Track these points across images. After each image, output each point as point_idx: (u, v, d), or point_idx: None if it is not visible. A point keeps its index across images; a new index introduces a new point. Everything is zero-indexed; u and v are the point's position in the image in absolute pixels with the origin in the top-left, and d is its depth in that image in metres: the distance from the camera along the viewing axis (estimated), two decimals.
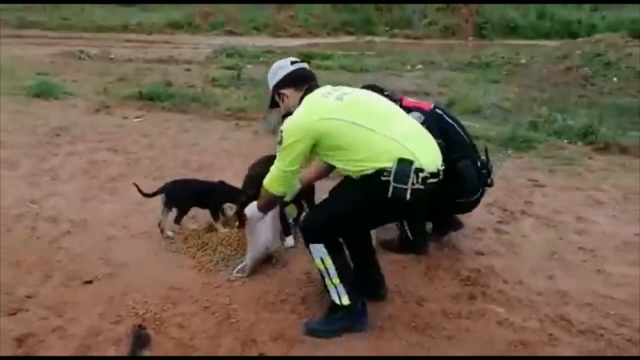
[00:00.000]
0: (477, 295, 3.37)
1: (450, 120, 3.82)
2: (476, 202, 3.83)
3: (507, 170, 5.60)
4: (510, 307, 3.27)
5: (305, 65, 3.18)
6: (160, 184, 4.75)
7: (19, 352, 2.73)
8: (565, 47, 12.22)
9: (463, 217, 4.13)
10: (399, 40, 21.83)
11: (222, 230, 3.98)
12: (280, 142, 2.89)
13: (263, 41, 17.96)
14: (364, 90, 3.16)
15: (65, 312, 3.08)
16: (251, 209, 3.27)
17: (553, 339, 2.97)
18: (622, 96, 9.62)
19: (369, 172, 2.76)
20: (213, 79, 9.95)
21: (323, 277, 2.97)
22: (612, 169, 5.88)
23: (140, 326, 2.91)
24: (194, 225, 4.14)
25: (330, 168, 3.27)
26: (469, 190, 3.69)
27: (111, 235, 4.00)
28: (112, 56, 12.86)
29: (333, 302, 2.99)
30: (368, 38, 21.69)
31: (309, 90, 3.00)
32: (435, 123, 3.59)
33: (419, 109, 3.70)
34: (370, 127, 2.79)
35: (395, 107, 3.10)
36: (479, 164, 3.69)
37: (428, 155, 2.82)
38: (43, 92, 8.42)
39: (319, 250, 2.91)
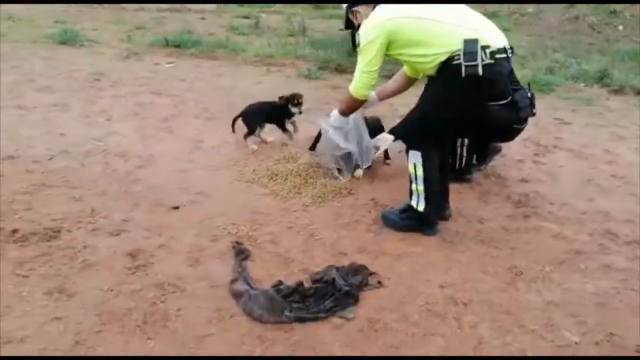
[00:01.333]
0: (530, 215, 3.72)
1: None
2: (521, 131, 4.15)
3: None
4: (561, 224, 3.62)
5: None
6: (211, 124, 5.09)
7: (135, 265, 3.02)
8: None
9: (503, 150, 4.46)
10: None
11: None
12: (357, 46, 3.25)
13: None
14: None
15: (163, 232, 3.38)
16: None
17: (604, 248, 3.34)
18: (629, 43, 9.84)
19: (442, 60, 3.07)
20: (232, 27, 10.03)
21: (411, 181, 3.36)
22: (629, 108, 6.22)
23: (237, 242, 3.24)
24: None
25: (408, 83, 3.59)
26: (523, 119, 4.00)
27: (181, 168, 4.28)
28: (123, 6, 12.80)
29: (409, 205, 3.38)
30: None
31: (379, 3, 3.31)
32: None
33: None
34: (437, 18, 3.11)
35: (459, 5, 3.32)
36: (529, 95, 3.99)
37: (492, 34, 3.12)
38: (68, 40, 8.52)
39: (415, 157, 3.28)
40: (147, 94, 6.08)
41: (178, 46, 8.39)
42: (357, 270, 2.99)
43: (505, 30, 10.31)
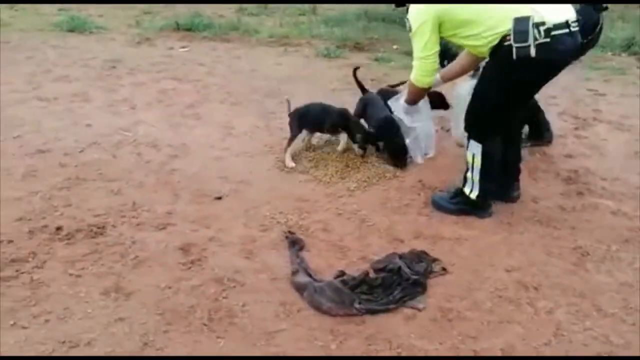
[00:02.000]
0: (584, 192, 3.61)
1: None
2: None
3: (566, 81, 5.74)
4: (617, 200, 3.52)
5: None
6: (238, 108, 4.96)
7: (189, 260, 2.92)
8: None
9: None
10: None
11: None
12: (409, 31, 3.09)
13: None
14: None
15: (210, 224, 3.27)
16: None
17: None
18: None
19: (495, 42, 2.88)
20: (241, 8, 9.84)
21: (467, 169, 3.24)
22: None
23: (290, 232, 3.14)
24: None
25: (475, 62, 3.41)
26: None
27: (217, 156, 4.16)
28: None
29: (461, 190, 3.28)
30: None
31: None
32: None
33: None
34: None
35: None
36: None
37: (549, 7, 2.84)
38: (76, 27, 8.34)
39: (475, 148, 3.15)
40: (167, 80, 5.94)
41: (189, 30, 8.22)
42: (420, 256, 2.89)
43: None
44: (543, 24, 2.77)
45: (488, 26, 2.89)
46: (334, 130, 4.09)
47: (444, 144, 4.24)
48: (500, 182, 3.38)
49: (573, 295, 2.67)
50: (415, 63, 3.19)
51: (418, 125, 3.87)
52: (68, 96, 5.37)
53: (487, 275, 2.82)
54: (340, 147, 4.07)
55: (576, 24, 2.87)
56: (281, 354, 2.31)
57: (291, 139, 4.05)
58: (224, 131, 4.61)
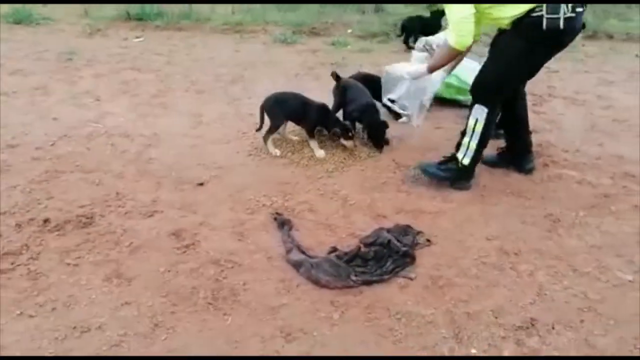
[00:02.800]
0: (549, 164, 3.84)
1: None
2: None
3: None
4: (580, 170, 3.76)
5: None
6: (204, 97, 5.00)
7: (183, 244, 2.98)
8: None
9: None
10: None
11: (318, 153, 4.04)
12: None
13: None
14: None
15: (197, 210, 3.33)
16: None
17: (628, 190, 3.51)
18: None
19: (522, 13, 3.03)
20: None
21: (464, 135, 3.39)
22: (606, 53, 6.45)
23: (277, 213, 3.24)
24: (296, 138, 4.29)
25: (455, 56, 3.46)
26: None
27: (192, 144, 4.20)
28: None
29: (454, 156, 3.44)
30: None
31: None
32: None
33: None
34: None
35: None
36: None
37: None
38: (22, 19, 8.14)
39: (479, 113, 3.30)
40: (127, 71, 5.90)
41: (141, 19, 8.15)
42: (405, 230, 3.04)
43: None
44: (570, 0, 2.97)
45: None
46: (312, 128, 4.08)
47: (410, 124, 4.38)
48: (515, 151, 3.63)
49: (550, 258, 2.87)
50: (452, 27, 3.15)
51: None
52: (28, 90, 5.28)
53: (469, 244, 2.99)
54: (317, 154, 3.99)
55: (584, 5, 3.10)
56: (287, 327, 2.41)
57: (273, 129, 4.04)
58: (194, 119, 4.64)
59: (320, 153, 3.91)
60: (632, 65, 5.91)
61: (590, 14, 7.67)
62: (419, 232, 3.05)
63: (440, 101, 4.65)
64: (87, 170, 3.77)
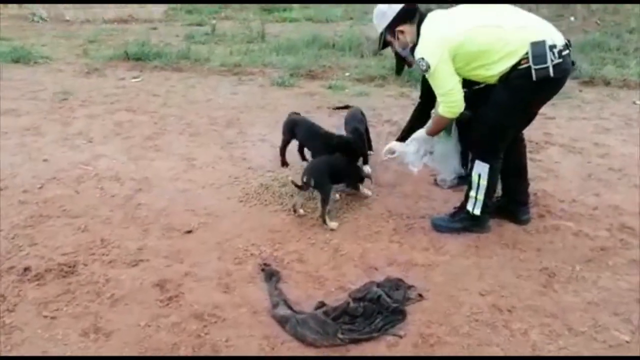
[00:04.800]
0: (544, 214, 3.75)
1: None
2: None
3: None
4: (577, 221, 3.67)
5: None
6: (198, 139, 4.95)
7: (166, 296, 2.89)
8: None
9: None
10: None
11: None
12: (426, 71, 3.12)
13: None
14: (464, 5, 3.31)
15: (183, 259, 3.25)
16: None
17: (625, 244, 3.40)
18: (581, 33, 10.12)
19: (508, 68, 3.02)
20: (189, 35, 9.84)
21: (470, 188, 3.36)
22: (603, 99, 6.40)
23: (265, 264, 3.15)
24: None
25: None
26: None
27: (182, 188, 4.14)
28: (68, 18, 12.40)
29: (464, 206, 3.41)
30: None
31: (422, 18, 3.23)
32: None
33: None
34: (496, 23, 3.05)
35: (498, 5, 3.27)
36: None
37: (552, 31, 3.05)
38: (21, 58, 8.20)
39: (481, 168, 3.27)
40: (122, 112, 5.88)
41: (139, 59, 8.16)
42: (397, 284, 2.94)
43: None
44: (555, 46, 2.96)
45: (505, 53, 3.02)
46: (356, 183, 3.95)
47: (404, 170, 4.32)
48: (510, 202, 3.59)
49: (545, 315, 2.77)
50: (441, 98, 3.17)
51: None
52: (19, 130, 5.26)
53: (462, 299, 2.89)
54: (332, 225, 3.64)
55: (569, 43, 3.09)
56: None
57: (326, 201, 3.60)
58: (187, 163, 4.59)
59: (334, 224, 3.65)
60: (629, 112, 5.88)
61: (586, 61, 7.69)
62: (410, 287, 2.96)
63: None
64: (73, 215, 3.70)
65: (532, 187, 4.03)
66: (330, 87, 6.88)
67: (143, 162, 4.61)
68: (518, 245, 3.39)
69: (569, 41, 3.10)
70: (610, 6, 11.05)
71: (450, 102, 3.16)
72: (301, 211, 3.75)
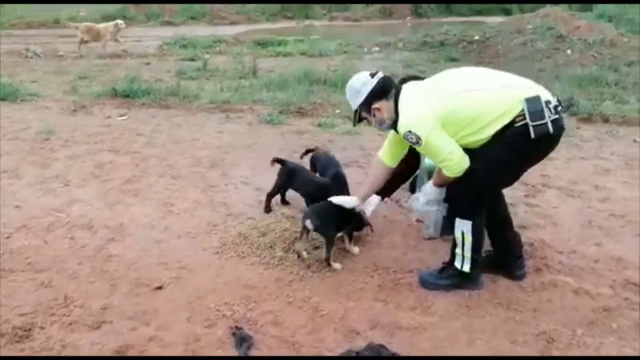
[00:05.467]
0: (542, 268, 3.51)
1: None
2: None
3: None
4: (577, 276, 3.42)
5: (381, 73, 3.20)
6: (179, 182, 4.72)
7: None
8: (516, 23, 12.62)
9: None
10: (338, 23, 21.99)
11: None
12: (416, 143, 2.91)
13: (204, 30, 17.66)
14: (441, 72, 3.18)
15: (150, 320, 3.00)
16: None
17: (631, 303, 3.14)
18: (577, 67, 9.98)
19: (500, 127, 2.82)
20: (180, 71, 9.70)
21: (455, 246, 3.14)
22: (602, 137, 6.20)
23: (237, 327, 2.90)
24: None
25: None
26: None
27: (157, 238, 3.91)
28: (61, 53, 12.33)
29: (452, 263, 3.19)
30: (307, 22, 21.71)
31: (398, 93, 3.04)
32: None
33: None
34: (479, 87, 2.88)
35: (476, 68, 3.18)
36: None
37: (539, 87, 2.90)
38: (8, 95, 8.04)
39: (464, 225, 3.05)
40: (104, 153, 5.67)
41: (127, 96, 8.00)
42: (379, 350, 2.66)
43: (453, 60, 10.45)
44: (549, 102, 2.81)
45: (496, 115, 2.84)
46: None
47: (392, 219, 4.11)
48: (502, 256, 3.37)
49: None
50: (442, 164, 2.96)
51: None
52: None
53: None
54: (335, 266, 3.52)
55: (561, 103, 2.93)
56: None
57: (332, 243, 3.48)
58: (164, 209, 4.36)
59: (337, 265, 3.52)
60: (630, 152, 5.66)
61: (584, 97, 7.52)
62: (393, 355, 2.69)
63: None
64: (38, 268, 3.48)
65: (529, 235, 3.82)
66: (320, 125, 6.69)
67: (119, 207, 4.38)
68: (513, 304, 3.14)
69: (558, 98, 2.94)
70: (607, 39, 10.93)
71: (453, 164, 2.94)
72: (305, 255, 3.54)
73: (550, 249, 3.73)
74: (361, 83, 3.14)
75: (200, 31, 17.03)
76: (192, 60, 11.37)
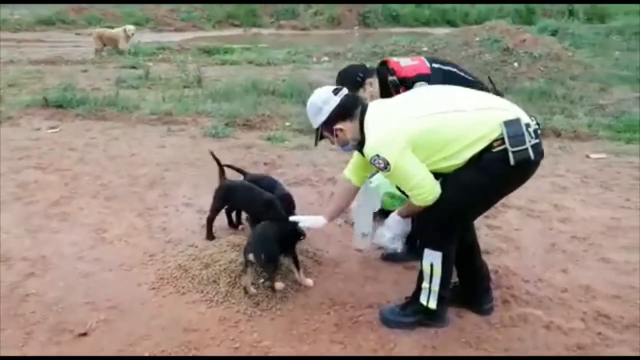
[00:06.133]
0: (509, 299, 3.25)
1: (451, 69, 3.45)
2: None
3: None
4: (546, 308, 3.18)
5: (345, 90, 2.87)
6: (113, 205, 4.31)
7: None
8: (463, 35, 12.50)
9: None
10: (286, 31, 21.69)
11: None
12: (384, 168, 2.59)
13: (147, 36, 17.06)
14: (413, 90, 2.88)
15: None
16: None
17: (605, 339, 2.91)
18: (525, 80, 9.92)
19: (476, 152, 2.53)
20: (120, 79, 9.17)
21: (422, 279, 2.84)
22: (556, 153, 6.06)
23: None
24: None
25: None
26: None
27: (85, 271, 3.47)
28: None
29: (417, 298, 2.88)
30: (255, 30, 21.35)
31: (364, 111, 2.73)
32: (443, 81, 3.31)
33: (421, 76, 3.29)
34: (454, 108, 2.58)
35: (450, 86, 2.88)
36: None
37: (518, 109, 2.62)
38: None
39: (434, 257, 2.76)
40: (30, 170, 5.17)
41: (60, 106, 7.44)
42: None
43: None
44: (529, 125, 2.53)
45: (475, 138, 2.53)
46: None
47: (347, 244, 3.79)
48: (469, 288, 3.09)
49: None
50: (411, 192, 2.66)
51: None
52: None
53: None
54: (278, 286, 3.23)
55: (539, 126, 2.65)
56: None
57: (276, 271, 3.23)
58: (95, 236, 3.92)
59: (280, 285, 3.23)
60: (584, 168, 5.54)
61: (535, 111, 7.39)
62: None
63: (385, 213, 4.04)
64: None
65: (492, 262, 3.57)
66: (269, 139, 6.33)
67: (42, 235, 3.92)
68: (482, 343, 2.86)
69: (535, 118, 2.66)
70: (553, 52, 10.93)
71: (423, 193, 2.63)
72: (252, 290, 3.18)
73: (516, 277, 3.48)
74: (323, 100, 2.80)
75: (145, 37, 16.43)
76: (134, 67, 10.82)
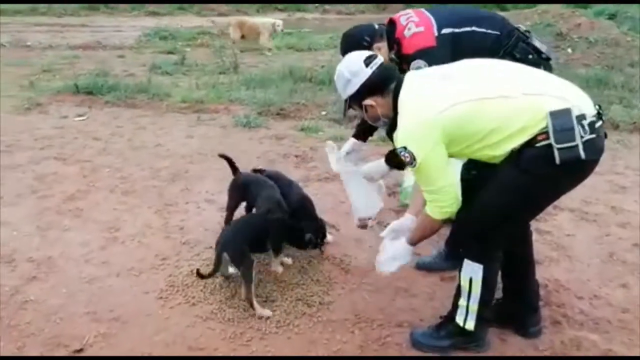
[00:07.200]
0: (560, 319, 2.85)
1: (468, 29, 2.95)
2: None
3: None
4: (603, 332, 2.77)
5: (381, 58, 2.48)
6: (130, 200, 4.05)
7: None
8: (513, 19, 11.82)
9: None
10: (331, 16, 21.18)
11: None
12: (410, 164, 2.22)
13: (191, 21, 16.84)
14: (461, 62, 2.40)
15: None
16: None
17: None
18: (580, 67, 9.30)
19: (518, 145, 2.14)
20: (154, 65, 8.93)
21: (459, 295, 2.47)
22: (614, 147, 5.51)
23: None
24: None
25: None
26: None
27: (90, 276, 3.20)
28: (29, 43, 11.51)
29: (452, 317, 2.52)
30: (299, 15, 20.89)
31: (398, 86, 2.32)
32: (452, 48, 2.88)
33: (421, 52, 2.89)
34: (500, 94, 2.16)
35: (507, 62, 2.44)
36: None
37: (579, 96, 2.18)
38: None
39: (474, 271, 2.39)
40: (50, 161, 4.94)
41: (90, 93, 7.22)
42: None
43: None
44: (584, 116, 2.09)
45: (516, 129, 2.13)
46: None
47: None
48: (515, 306, 2.71)
49: None
50: (430, 197, 2.31)
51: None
52: None
53: None
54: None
55: (602, 116, 2.21)
56: None
57: (250, 278, 2.85)
58: (107, 235, 3.67)
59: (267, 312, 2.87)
60: None
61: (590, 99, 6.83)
62: None
63: None
64: None
65: (541, 273, 3.14)
66: (302, 129, 5.96)
67: (52, 233, 3.68)
68: None
69: (600, 107, 2.20)
70: (610, 37, 10.24)
71: (443, 201, 2.28)
72: (261, 310, 2.87)
73: (568, 293, 3.07)
74: (352, 72, 2.41)
75: (188, 22, 16.23)
76: (171, 53, 10.59)
